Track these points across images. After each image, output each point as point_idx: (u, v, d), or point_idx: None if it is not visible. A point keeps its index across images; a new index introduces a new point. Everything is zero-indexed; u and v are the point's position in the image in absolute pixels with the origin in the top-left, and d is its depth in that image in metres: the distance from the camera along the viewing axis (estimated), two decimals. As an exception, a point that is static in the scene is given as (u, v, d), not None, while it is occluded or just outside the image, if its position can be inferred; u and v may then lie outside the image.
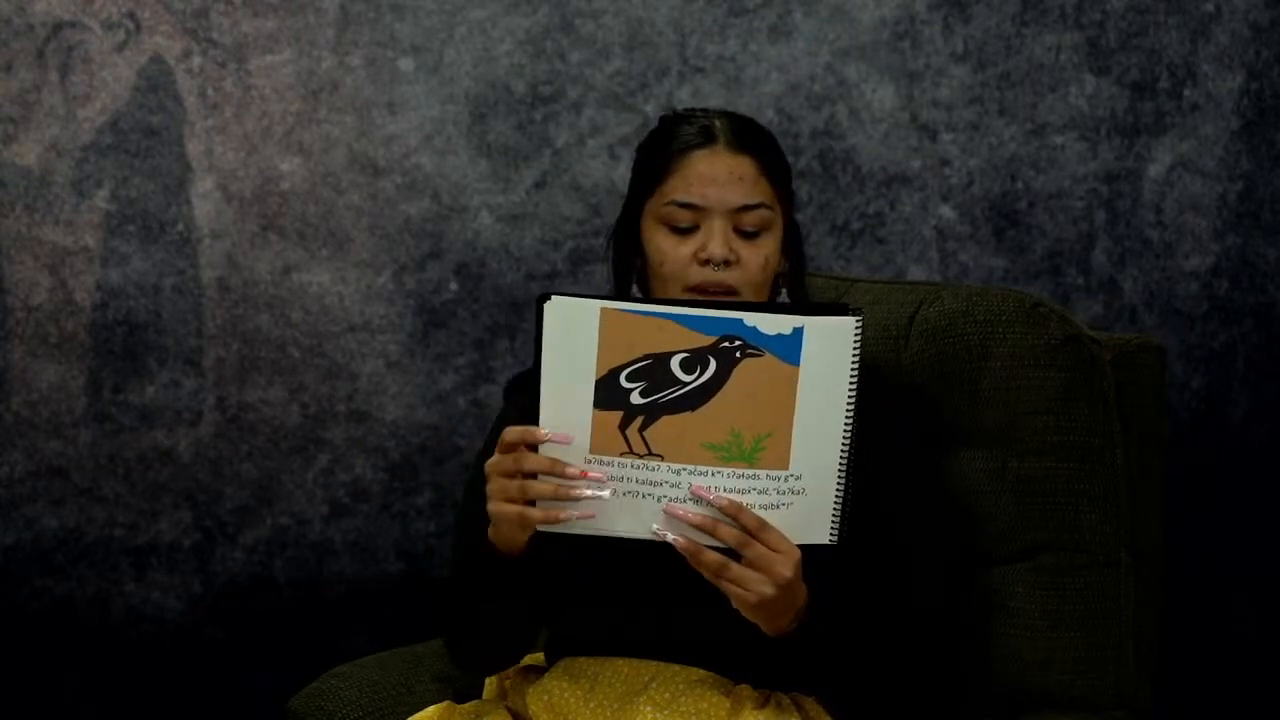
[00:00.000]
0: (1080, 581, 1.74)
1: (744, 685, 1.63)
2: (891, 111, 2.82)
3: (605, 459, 1.48)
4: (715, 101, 2.77)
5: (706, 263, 1.65)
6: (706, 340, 1.45)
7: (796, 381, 1.46)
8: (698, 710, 1.59)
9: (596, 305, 1.46)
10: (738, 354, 1.45)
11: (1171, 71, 2.83)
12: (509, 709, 1.71)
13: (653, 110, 2.79)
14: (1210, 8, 2.83)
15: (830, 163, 2.82)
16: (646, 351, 1.46)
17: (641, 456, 1.48)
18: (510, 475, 1.49)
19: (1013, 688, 1.74)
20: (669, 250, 1.67)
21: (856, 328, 1.46)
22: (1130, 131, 2.84)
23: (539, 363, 1.47)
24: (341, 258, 2.82)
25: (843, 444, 1.48)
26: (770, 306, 1.46)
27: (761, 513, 1.48)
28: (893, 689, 1.64)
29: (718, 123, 1.69)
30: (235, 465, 2.84)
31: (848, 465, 1.48)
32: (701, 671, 1.64)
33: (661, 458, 1.48)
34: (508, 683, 1.75)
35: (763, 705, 1.61)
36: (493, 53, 2.80)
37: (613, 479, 1.48)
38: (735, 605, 1.51)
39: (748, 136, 1.69)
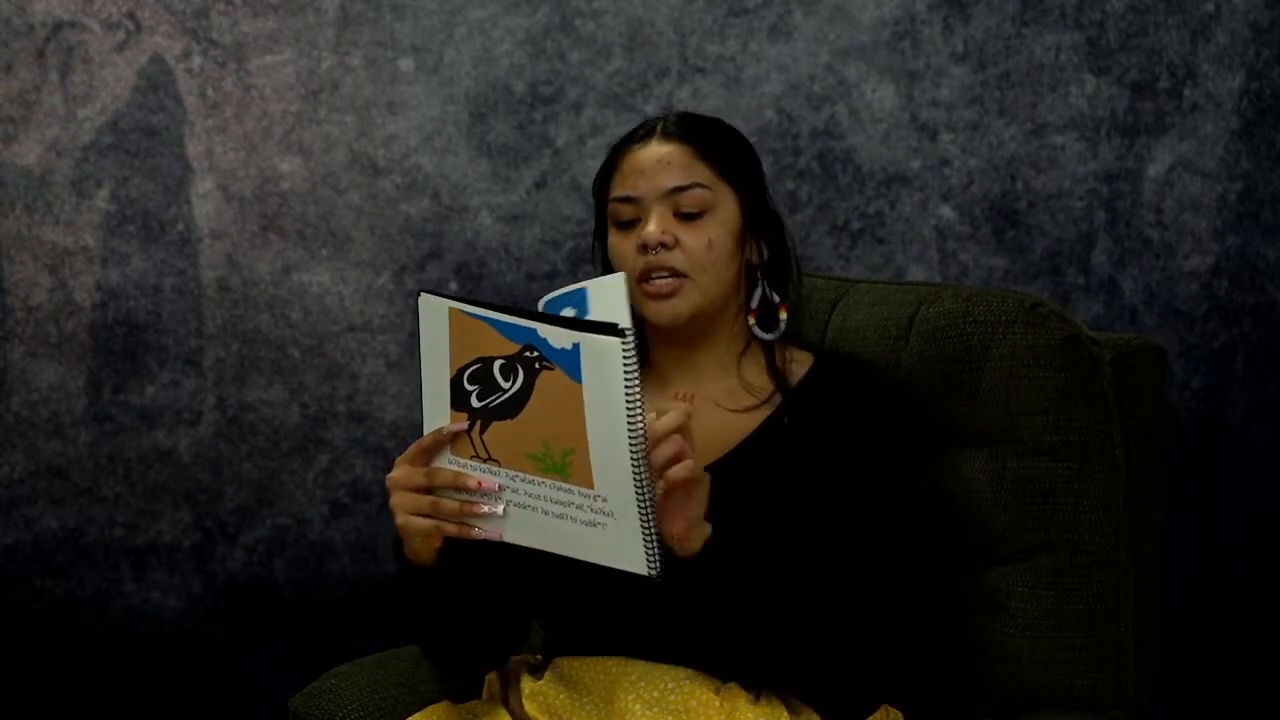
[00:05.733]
0: (1080, 581, 1.74)
1: (732, 683, 1.63)
2: (891, 111, 2.82)
3: (460, 460, 1.49)
4: (715, 101, 2.77)
5: (646, 248, 1.66)
6: (514, 348, 1.44)
7: (582, 399, 1.41)
8: (687, 708, 1.60)
9: (446, 305, 1.46)
10: (537, 365, 1.43)
11: (1171, 71, 2.83)
12: (508, 709, 1.71)
13: (652, 110, 2.79)
14: (1210, 8, 2.83)
15: (830, 163, 2.82)
16: (478, 354, 1.46)
17: (484, 460, 1.48)
18: (421, 490, 1.51)
19: (1013, 688, 1.74)
20: (618, 246, 1.70)
21: (624, 349, 1.38)
22: (1130, 131, 2.84)
23: (419, 358, 1.49)
24: (341, 258, 2.82)
25: (634, 470, 1.41)
26: (557, 320, 1.42)
27: (583, 530, 1.45)
28: (819, 665, 1.60)
29: (662, 120, 1.71)
30: (235, 465, 2.84)
31: (647, 495, 1.42)
32: (689, 670, 1.64)
33: (499, 463, 1.47)
34: (509, 683, 1.75)
35: (754, 702, 1.61)
36: (493, 53, 2.80)
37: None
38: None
39: (685, 126, 1.70)
